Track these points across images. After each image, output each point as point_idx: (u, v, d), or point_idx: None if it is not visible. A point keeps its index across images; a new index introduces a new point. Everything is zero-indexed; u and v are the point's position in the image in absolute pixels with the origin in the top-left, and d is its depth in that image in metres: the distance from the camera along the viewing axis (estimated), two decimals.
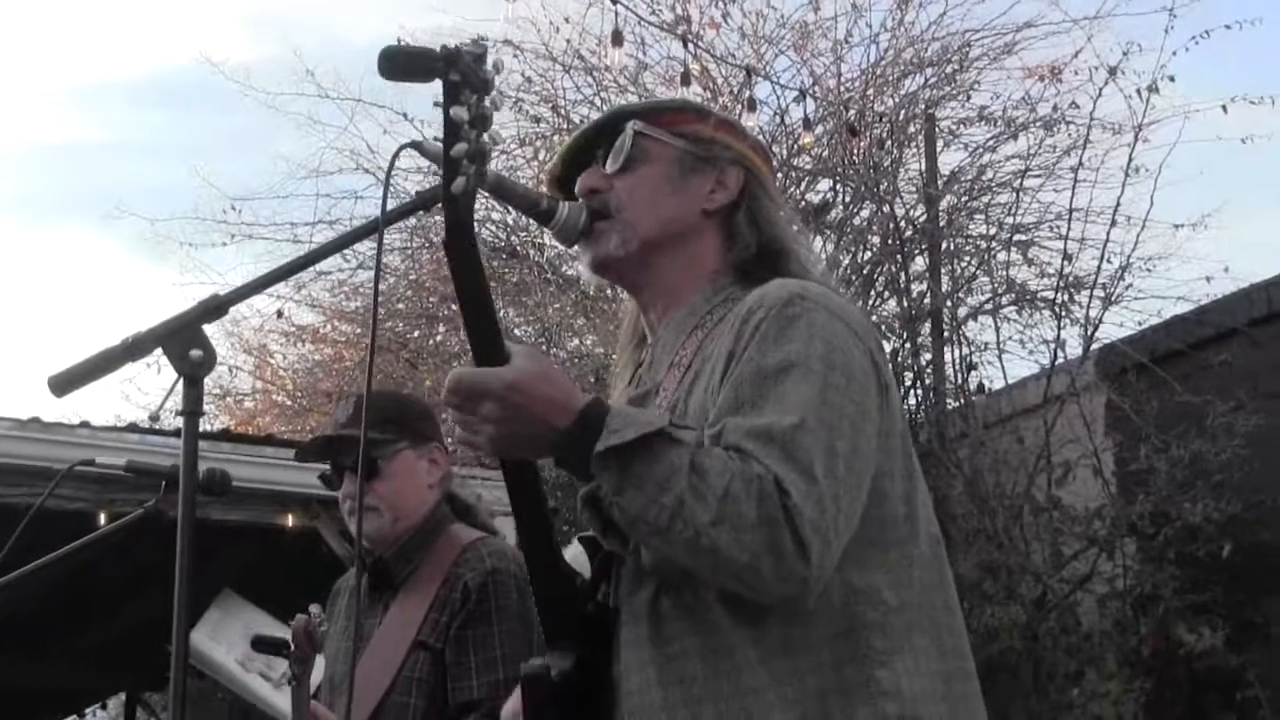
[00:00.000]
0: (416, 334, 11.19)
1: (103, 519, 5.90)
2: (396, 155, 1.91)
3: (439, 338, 11.14)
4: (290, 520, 6.97)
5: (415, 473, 3.18)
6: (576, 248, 2.05)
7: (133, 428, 7.54)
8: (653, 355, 2.03)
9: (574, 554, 1.96)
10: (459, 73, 1.72)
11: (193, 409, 1.80)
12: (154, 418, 7.16)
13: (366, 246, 10.76)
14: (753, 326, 1.80)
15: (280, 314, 11.64)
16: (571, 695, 1.87)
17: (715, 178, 2.03)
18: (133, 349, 1.77)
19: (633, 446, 1.68)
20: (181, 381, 1.79)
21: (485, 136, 1.74)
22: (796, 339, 1.77)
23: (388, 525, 3.13)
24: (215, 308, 1.80)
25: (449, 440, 3.48)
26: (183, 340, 1.78)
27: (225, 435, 7.92)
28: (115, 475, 5.67)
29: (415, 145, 1.86)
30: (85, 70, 24.46)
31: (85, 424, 7.00)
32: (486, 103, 1.73)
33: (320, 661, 3.24)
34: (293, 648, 3.07)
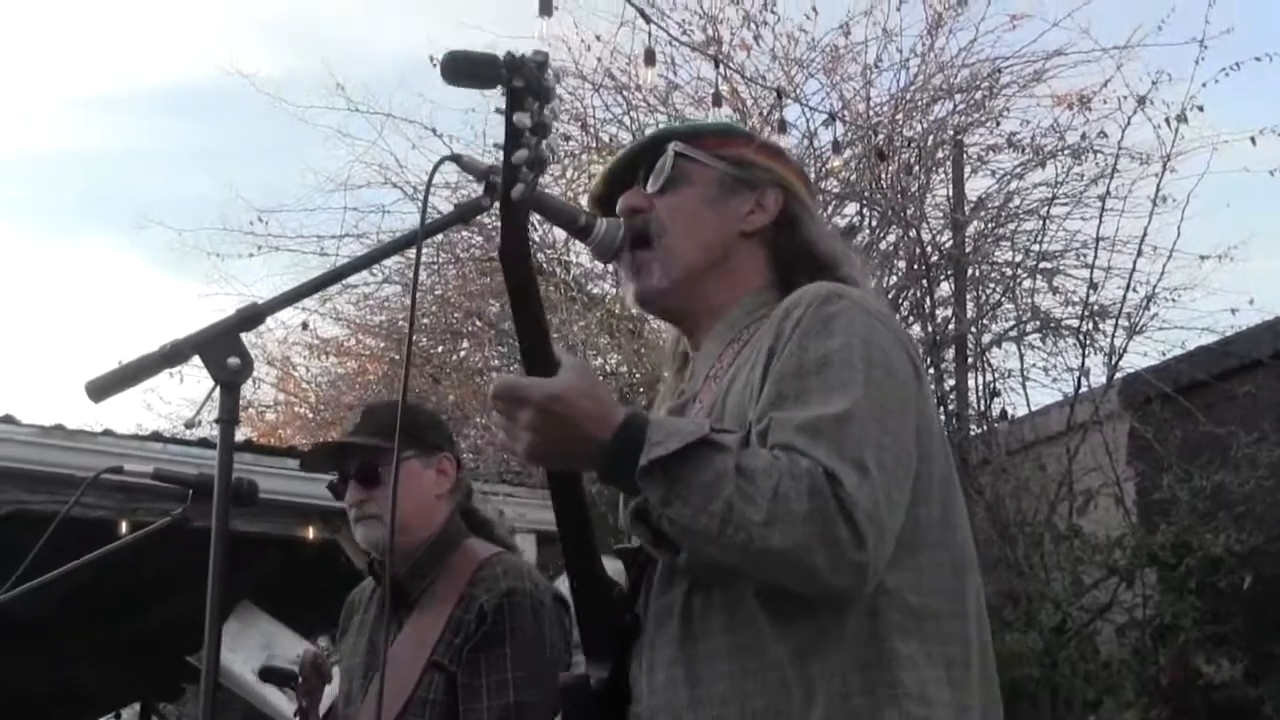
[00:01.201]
0: (440, 349, 11.19)
1: (125, 528, 5.91)
2: (436, 168, 1.93)
3: (463, 353, 11.15)
4: (311, 532, 6.97)
5: (420, 481, 3.14)
6: (612, 265, 2.07)
7: (156, 436, 7.55)
8: (693, 368, 2.05)
9: (614, 568, 1.96)
10: (523, 79, 1.73)
11: (229, 417, 1.80)
12: (190, 425, 7.19)
13: (394, 261, 10.82)
14: (793, 323, 1.81)
15: (305, 326, 11.68)
16: (609, 705, 1.88)
17: (755, 200, 2.04)
18: (171, 356, 1.77)
19: (676, 457, 1.68)
20: (219, 389, 1.80)
21: (544, 144, 1.75)
22: (837, 334, 1.78)
23: (387, 533, 3.07)
24: (253, 316, 1.81)
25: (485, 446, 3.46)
26: (221, 348, 1.79)
27: (248, 446, 7.93)
28: (138, 484, 5.75)
29: (455, 159, 1.89)
30: (107, 80, 24.59)
31: (109, 432, 7.03)
32: (547, 111, 1.75)
33: (335, 674, 3.25)
34: (300, 680, 3.07)
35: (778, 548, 1.64)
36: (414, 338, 10.63)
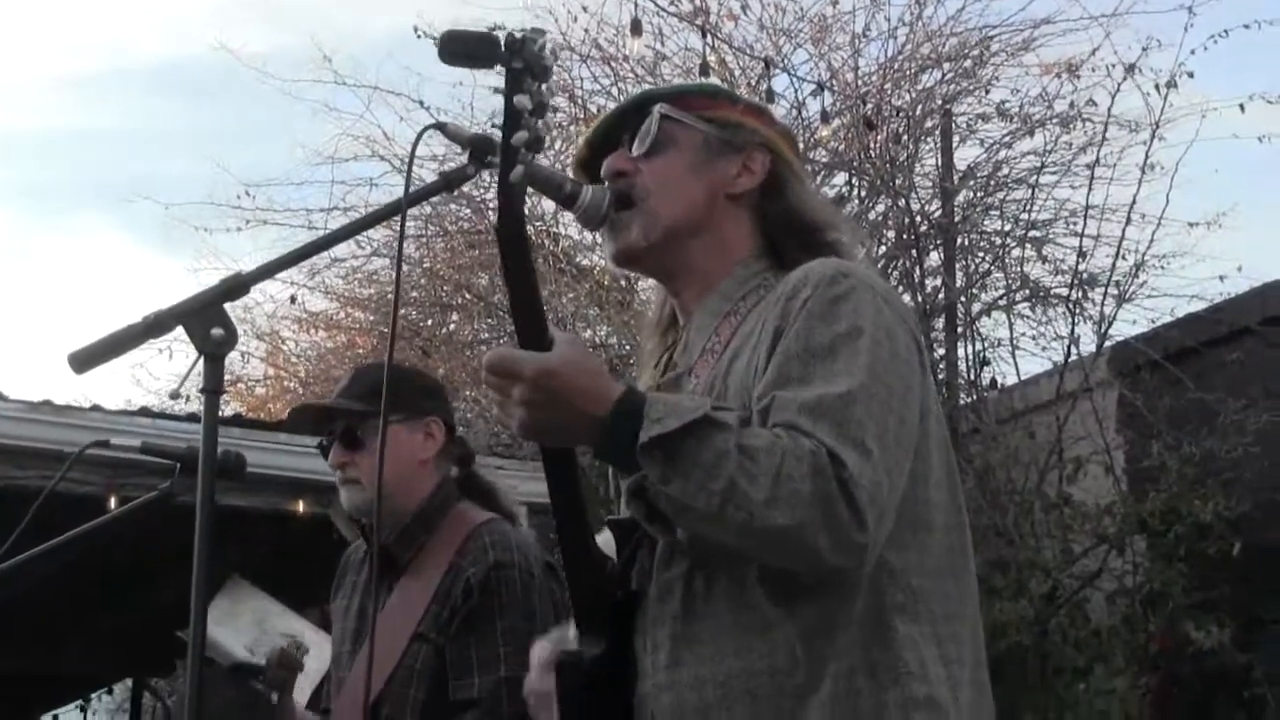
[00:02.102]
0: (430, 322, 11.19)
1: (113, 503, 5.89)
2: (420, 136, 1.93)
3: (452, 326, 11.15)
4: (301, 507, 6.95)
5: (402, 446, 3.10)
6: (600, 234, 2.05)
7: (145, 411, 7.55)
8: (686, 339, 2.03)
9: (605, 540, 1.95)
10: (523, 60, 1.72)
11: (214, 387, 1.81)
12: (175, 395, 7.19)
13: (382, 234, 10.81)
14: (800, 303, 1.80)
15: (293, 299, 11.67)
16: (602, 680, 1.87)
17: (741, 162, 2.02)
18: (154, 327, 1.77)
19: (678, 434, 1.66)
20: (203, 360, 1.80)
21: (542, 124, 1.74)
22: (844, 316, 1.77)
23: (369, 497, 3.05)
24: (237, 286, 1.81)
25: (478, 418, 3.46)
26: (205, 319, 1.79)
27: (237, 421, 7.93)
28: (126, 459, 5.73)
29: (439, 127, 1.88)
30: (96, 59, 24.52)
31: (97, 407, 7.02)
32: (545, 90, 1.73)
33: (312, 657, 3.24)
34: (268, 674, 3.09)
35: (780, 527, 1.63)
36: (402, 311, 10.63)
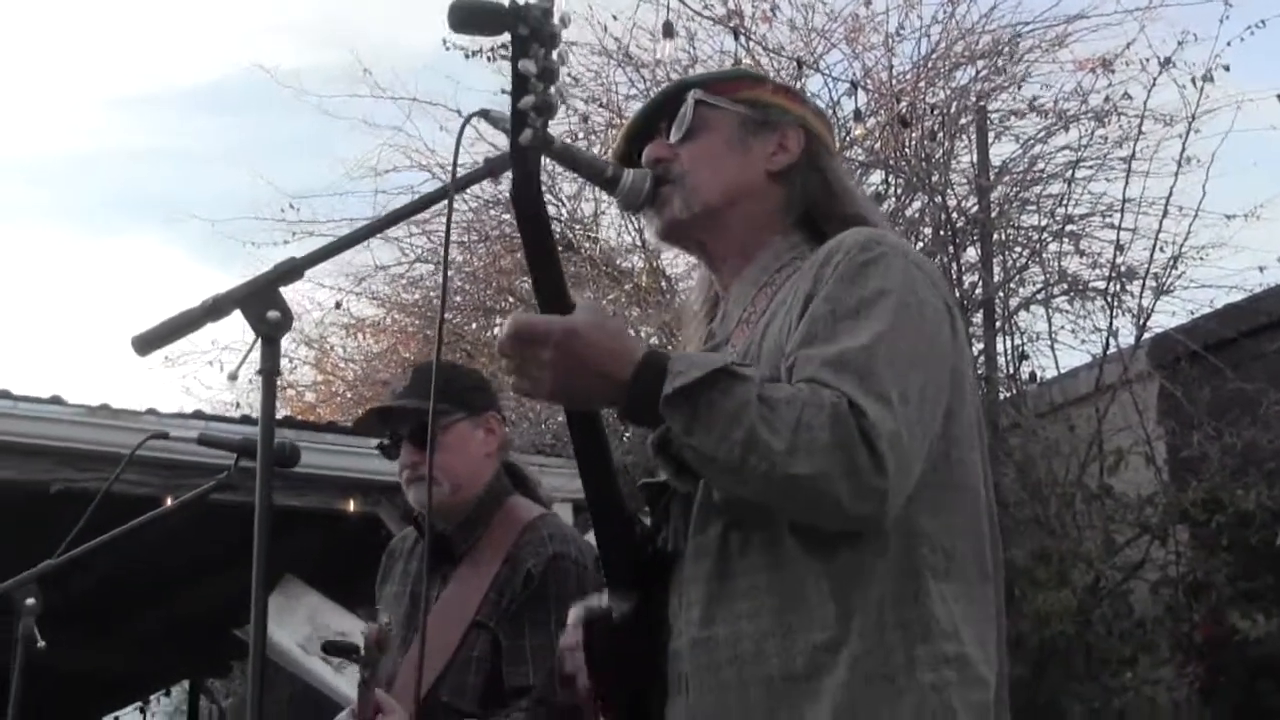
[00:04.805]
0: (474, 326, 11.30)
1: (169, 504, 6.00)
2: (466, 122, 1.94)
3: (495, 330, 11.24)
4: (352, 506, 7.03)
5: (470, 442, 3.19)
6: (641, 216, 2.10)
7: (199, 415, 7.68)
8: (724, 310, 2.07)
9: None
10: (527, 26, 1.75)
11: (271, 368, 1.84)
12: (233, 377, 7.31)
13: (425, 241, 10.94)
14: (831, 269, 1.84)
15: (339, 305, 11.83)
16: (631, 637, 1.91)
17: (777, 140, 2.06)
18: (212, 310, 1.81)
19: (699, 385, 1.69)
20: (260, 342, 1.83)
21: (552, 90, 1.77)
22: (873, 279, 1.81)
23: (446, 494, 3.13)
24: (291, 270, 1.85)
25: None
26: (261, 301, 1.83)
27: (289, 422, 8.03)
28: (182, 460, 5.84)
29: (484, 114, 1.90)
30: (144, 80, 24.79)
31: (152, 411, 7.14)
32: (554, 56, 1.76)
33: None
34: (362, 652, 3.16)
35: (800, 475, 1.66)
36: (447, 315, 10.73)
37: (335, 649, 3.09)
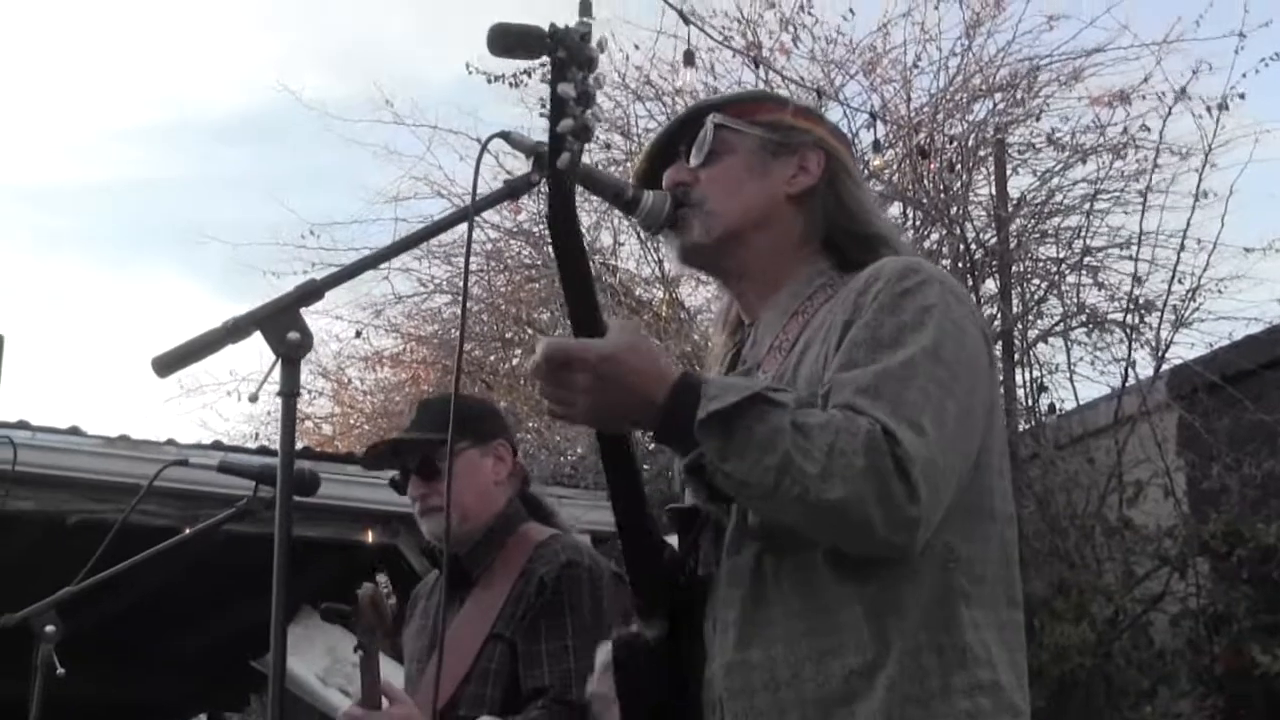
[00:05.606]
0: (493, 357, 11.32)
1: (187, 533, 6.01)
2: (486, 144, 1.94)
3: (515, 361, 11.26)
4: (370, 537, 7.01)
5: (478, 470, 3.20)
6: (662, 238, 2.08)
7: (217, 445, 7.71)
8: (754, 336, 2.05)
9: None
10: (566, 50, 1.75)
11: (291, 390, 1.83)
12: (253, 398, 7.33)
13: (444, 270, 10.97)
14: (870, 297, 1.83)
15: (359, 334, 11.85)
16: (663, 663, 1.90)
17: (797, 163, 2.04)
18: (233, 331, 1.79)
19: (733, 410, 1.69)
20: (280, 363, 1.82)
21: (589, 114, 1.76)
22: (912, 307, 1.80)
23: (454, 524, 3.12)
24: (311, 291, 1.83)
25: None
26: (281, 323, 1.81)
27: (307, 453, 8.04)
28: (200, 491, 5.84)
29: (504, 135, 1.90)
30: (160, 111, 24.92)
31: (171, 441, 7.16)
32: (591, 81, 1.76)
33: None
34: (358, 615, 3.14)
35: (833, 501, 1.66)
36: (465, 346, 10.77)
37: (333, 614, 3.09)
